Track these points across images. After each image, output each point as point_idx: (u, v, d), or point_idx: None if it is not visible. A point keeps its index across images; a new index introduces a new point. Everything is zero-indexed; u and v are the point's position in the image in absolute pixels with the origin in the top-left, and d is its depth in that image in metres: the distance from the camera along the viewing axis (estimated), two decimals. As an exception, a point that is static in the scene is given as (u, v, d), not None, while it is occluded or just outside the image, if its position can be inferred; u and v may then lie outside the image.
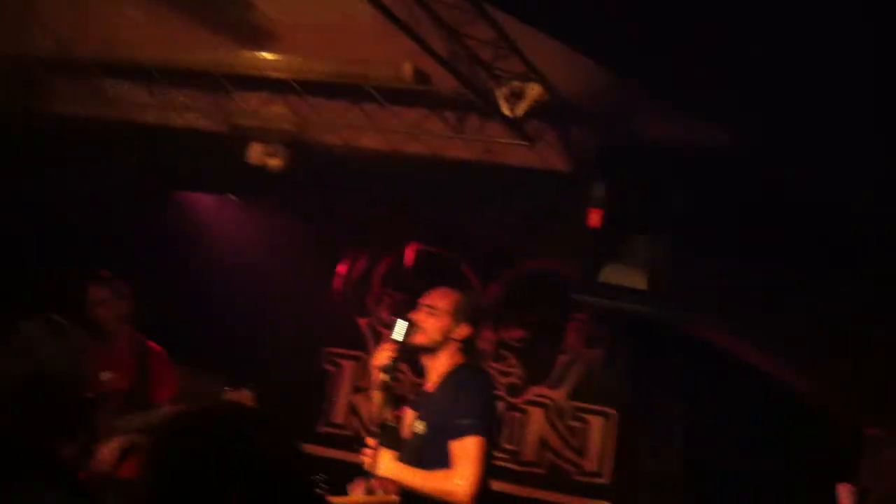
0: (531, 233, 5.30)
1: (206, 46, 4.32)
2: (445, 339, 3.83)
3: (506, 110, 4.04)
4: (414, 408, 3.96)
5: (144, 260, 5.83)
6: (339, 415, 6.88)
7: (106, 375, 4.67)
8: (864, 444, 4.72)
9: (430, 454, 3.70)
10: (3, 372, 2.66)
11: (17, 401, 2.54)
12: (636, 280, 4.06)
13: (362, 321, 6.84)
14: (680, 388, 5.95)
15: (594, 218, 4.05)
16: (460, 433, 3.63)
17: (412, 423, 3.89)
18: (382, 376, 3.79)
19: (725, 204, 3.79)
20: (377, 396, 3.85)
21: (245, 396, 4.33)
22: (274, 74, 4.52)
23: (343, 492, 3.77)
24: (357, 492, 3.80)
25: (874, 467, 4.64)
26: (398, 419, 3.90)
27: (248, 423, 1.72)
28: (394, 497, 3.84)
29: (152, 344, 4.91)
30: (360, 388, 6.72)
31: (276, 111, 4.70)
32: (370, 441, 3.75)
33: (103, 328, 4.78)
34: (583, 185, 4.10)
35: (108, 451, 4.44)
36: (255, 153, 4.72)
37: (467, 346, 3.86)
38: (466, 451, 3.61)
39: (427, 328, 3.83)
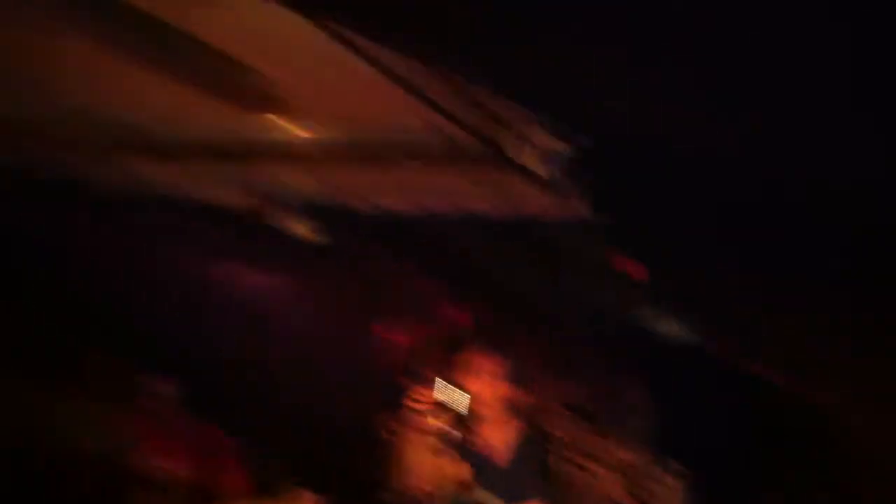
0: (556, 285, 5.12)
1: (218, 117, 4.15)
2: (501, 405, 3.71)
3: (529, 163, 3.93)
4: (478, 476, 3.82)
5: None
6: (401, 480, 6.72)
7: (163, 463, 4.52)
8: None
9: None
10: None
11: None
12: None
13: (415, 386, 6.71)
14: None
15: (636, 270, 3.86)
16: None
17: (473, 488, 3.76)
18: (437, 442, 3.67)
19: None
20: (433, 461, 3.72)
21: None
22: (299, 148, 4.46)
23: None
24: None
25: None
26: (466, 487, 3.77)
27: None
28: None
29: (220, 433, 4.75)
30: (419, 452, 6.56)
31: (301, 180, 4.66)
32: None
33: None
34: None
35: None
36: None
37: (522, 409, 3.73)
38: None
39: (480, 394, 3.71)
